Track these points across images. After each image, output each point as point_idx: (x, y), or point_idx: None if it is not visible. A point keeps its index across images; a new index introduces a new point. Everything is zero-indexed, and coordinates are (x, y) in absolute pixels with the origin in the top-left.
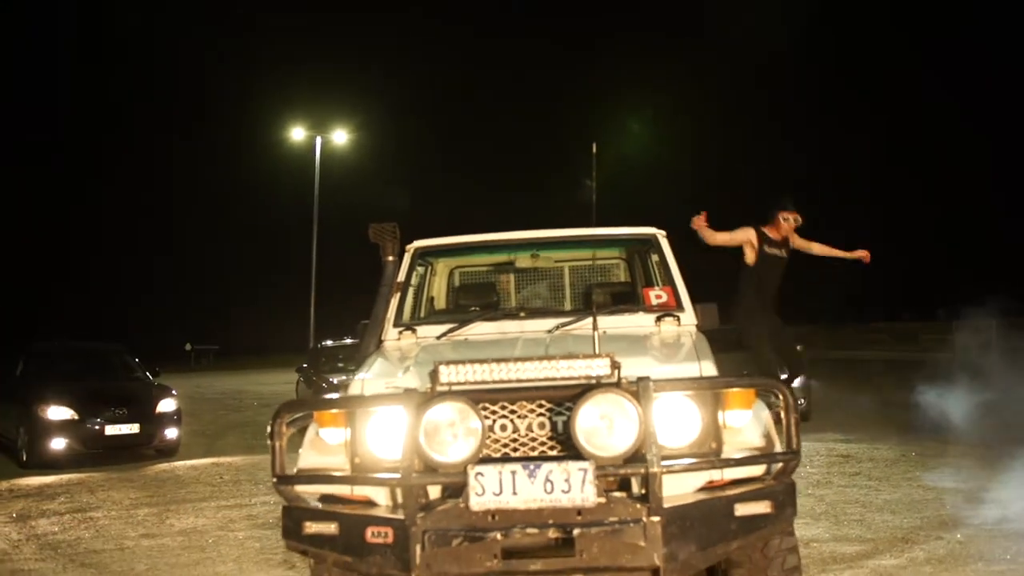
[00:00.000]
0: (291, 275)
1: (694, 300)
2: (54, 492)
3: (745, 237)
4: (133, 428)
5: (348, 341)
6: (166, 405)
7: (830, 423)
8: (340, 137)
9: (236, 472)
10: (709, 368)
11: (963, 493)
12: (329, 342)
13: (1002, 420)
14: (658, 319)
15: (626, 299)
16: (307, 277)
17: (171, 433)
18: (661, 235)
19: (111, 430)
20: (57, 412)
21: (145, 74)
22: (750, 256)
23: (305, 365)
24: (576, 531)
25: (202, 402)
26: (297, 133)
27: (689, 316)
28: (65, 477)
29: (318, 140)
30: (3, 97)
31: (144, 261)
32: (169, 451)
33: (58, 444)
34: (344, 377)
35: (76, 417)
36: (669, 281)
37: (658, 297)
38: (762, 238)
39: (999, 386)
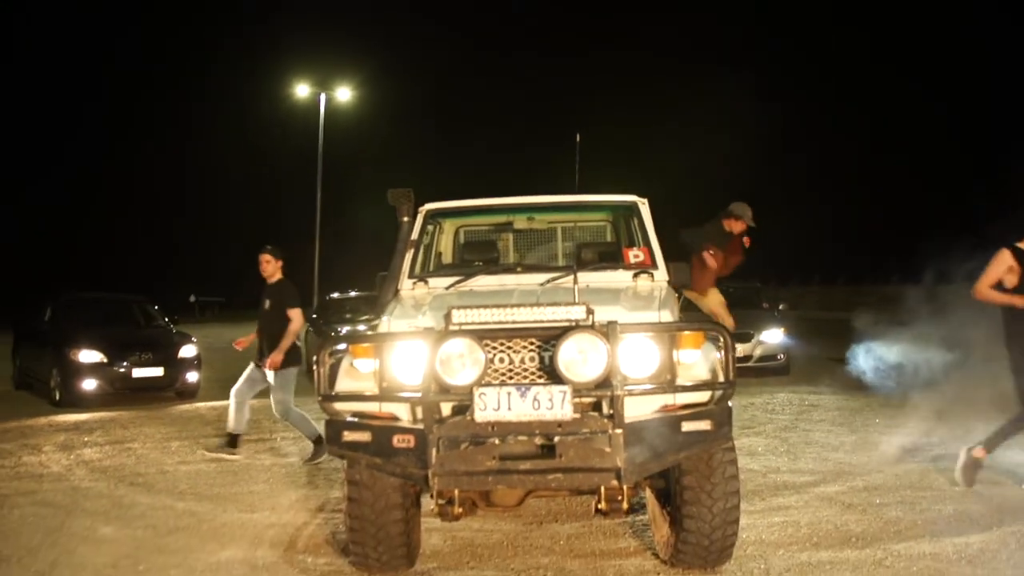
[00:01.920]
0: (294, 229)
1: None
2: (90, 427)
3: (1002, 265)
4: (157, 371)
5: (353, 294)
6: (187, 351)
7: (806, 377)
8: (344, 94)
9: (255, 412)
10: (667, 315)
11: (912, 437)
12: (336, 295)
13: (963, 377)
14: (635, 275)
15: (610, 257)
16: (310, 231)
17: (192, 377)
18: (642, 202)
19: (138, 373)
20: (88, 356)
21: (155, 31)
22: (1012, 280)
23: (315, 316)
24: (557, 439)
25: (212, 351)
26: (302, 90)
27: (662, 273)
28: (97, 415)
29: (322, 97)
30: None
31: (146, 214)
32: (190, 393)
33: (89, 385)
34: (351, 328)
35: (105, 360)
36: (646, 242)
37: (636, 256)
38: (1018, 255)
39: (968, 348)
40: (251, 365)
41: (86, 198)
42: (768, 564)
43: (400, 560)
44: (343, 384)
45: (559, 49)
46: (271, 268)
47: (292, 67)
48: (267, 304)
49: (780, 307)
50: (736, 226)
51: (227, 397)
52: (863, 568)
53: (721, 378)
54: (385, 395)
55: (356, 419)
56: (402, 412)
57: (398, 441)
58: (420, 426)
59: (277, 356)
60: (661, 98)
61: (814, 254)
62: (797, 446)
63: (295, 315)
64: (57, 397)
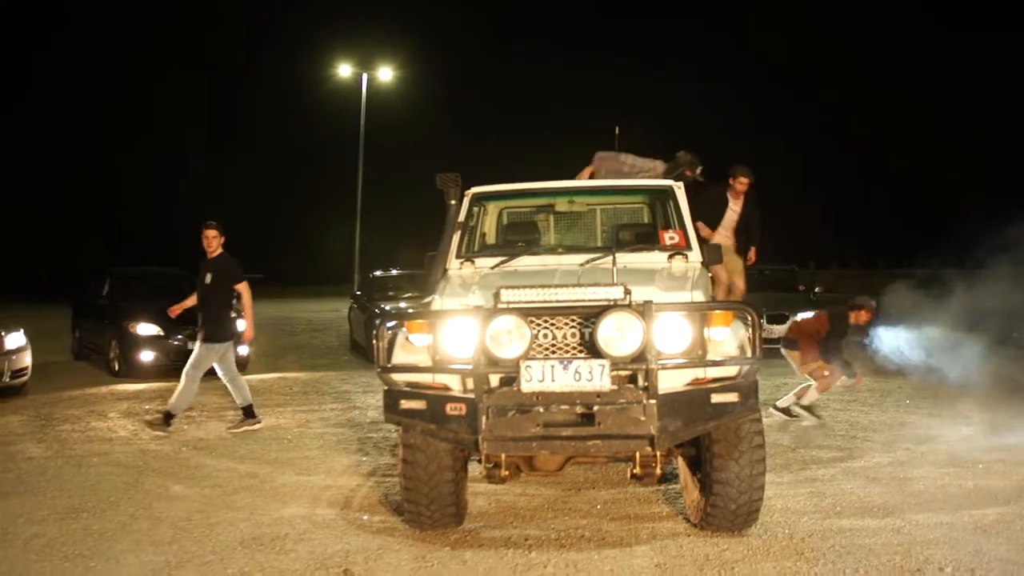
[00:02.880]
0: (334, 208)
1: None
2: (149, 396)
3: None
4: None
5: (395, 272)
6: (238, 325)
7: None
8: (386, 75)
9: (303, 385)
10: (699, 295)
11: (943, 419)
12: (379, 273)
13: (1003, 366)
14: (670, 256)
15: (647, 239)
16: (349, 210)
17: (242, 350)
18: (677, 187)
19: (192, 345)
20: (146, 328)
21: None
22: None
23: (359, 293)
24: (596, 408)
25: (256, 327)
26: (344, 70)
27: (695, 255)
28: (154, 385)
29: (364, 77)
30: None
31: (189, 192)
32: (240, 366)
33: (147, 356)
34: (394, 305)
35: (162, 333)
36: (681, 225)
37: (671, 238)
38: None
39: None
40: (199, 344)
41: (123, 173)
42: (792, 529)
43: (450, 518)
44: (399, 357)
45: (600, 38)
46: (216, 243)
47: (334, 47)
48: (208, 278)
49: (816, 290)
50: (863, 317)
51: (274, 370)
52: (881, 534)
53: (749, 354)
54: (438, 367)
55: (411, 389)
56: (454, 383)
57: (451, 409)
58: (471, 395)
59: (250, 331)
60: (690, 85)
61: (853, 237)
62: (828, 424)
63: (244, 288)
64: (116, 368)
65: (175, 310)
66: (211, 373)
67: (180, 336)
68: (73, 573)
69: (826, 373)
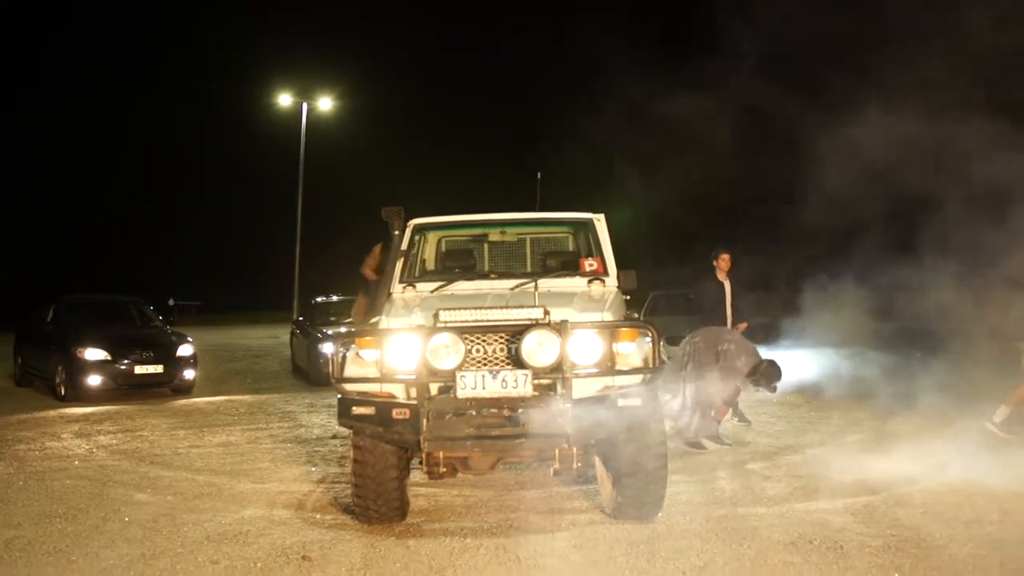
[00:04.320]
0: (272, 236)
1: (620, 267)
2: (99, 419)
3: None
4: (158, 368)
5: (336, 298)
6: (184, 350)
7: None
8: (325, 104)
9: (249, 406)
10: (610, 315)
11: (839, 427)
12: (321, 299)
13: (900, 380)
14: (589, 281)
15: (570, 266)
16: (289, 237)
17: (189, 374)
18: (597, 219)
19: (139, 370)
20: (93, 353)
21: (129, 32)
22: None
23: (301, 319)
24: (520, 411)
25: (199, 352)
26: (284, 99)
27: (612, 280)
28: (102, 408)
29: (304, 106)
30: None
31: (126, 217)
32: (186, 389)
33: (94, 381)
34: (335, 330)
35: (109, 358)
36: (600, 253)
37: (590, 265)
38: None
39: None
40: None
41: (61, 203)
42: (691, 517)
43: (395, 512)
44: (351, 370)
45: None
46: None
47: (276, 77)
48: None
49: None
50: None
51: (219, 394)
52: (767, 519)
53: (651, 365)
54: (385, 378)
55: (361, 397)
56: (399, 391)
57: (396, 414)
58: (414, 402)
59: None
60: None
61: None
62: (736, 433)
63: None
64: (62, 392)
65: None
66: (164, 394)
67: (127, 360)
68: (57, 566)
69: None
